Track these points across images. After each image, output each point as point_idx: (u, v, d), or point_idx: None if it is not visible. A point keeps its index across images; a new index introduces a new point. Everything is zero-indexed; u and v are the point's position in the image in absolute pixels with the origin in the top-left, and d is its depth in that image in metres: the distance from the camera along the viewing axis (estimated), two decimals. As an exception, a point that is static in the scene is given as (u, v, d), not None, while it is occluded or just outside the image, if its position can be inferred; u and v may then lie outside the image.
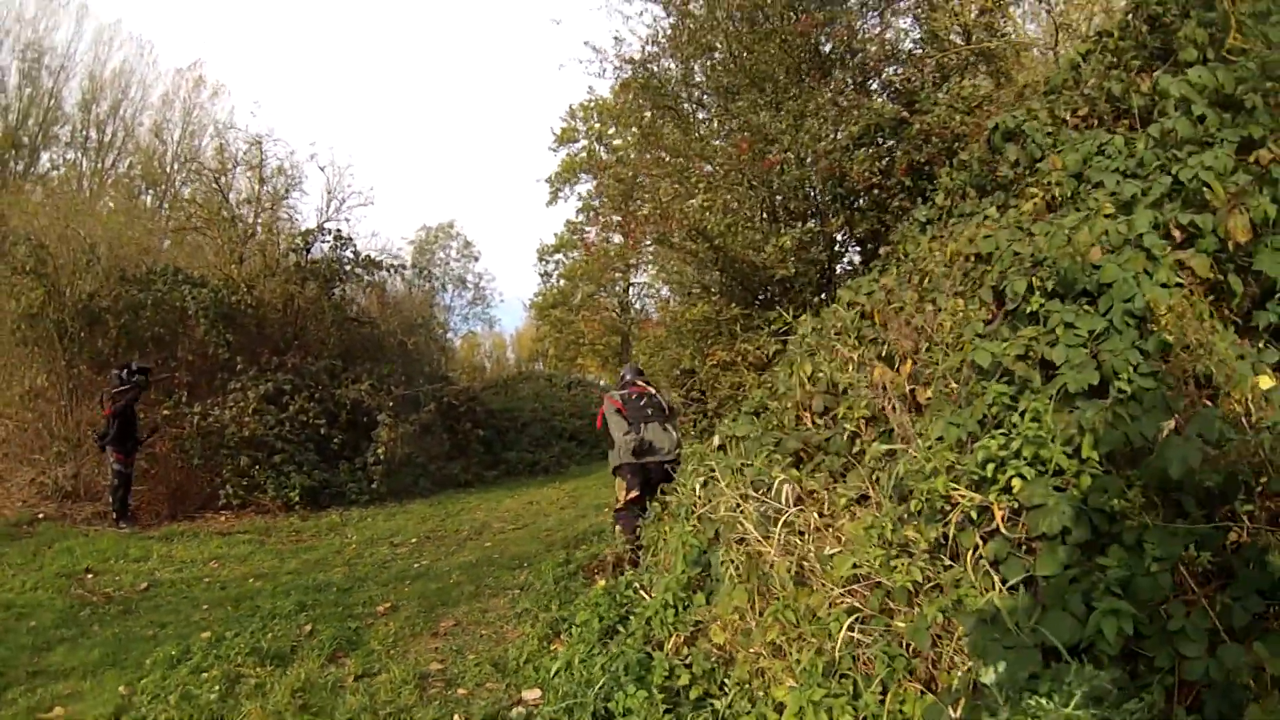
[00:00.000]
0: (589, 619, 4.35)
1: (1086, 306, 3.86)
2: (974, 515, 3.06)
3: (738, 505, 4.07)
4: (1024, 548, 3.15)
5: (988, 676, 2.51)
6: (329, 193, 14.78)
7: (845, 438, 4.59)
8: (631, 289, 30.84)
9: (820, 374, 5.34)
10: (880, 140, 9.18)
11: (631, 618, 4.26)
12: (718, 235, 8.89)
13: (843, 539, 3.52)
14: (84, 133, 27.20)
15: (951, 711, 2.75)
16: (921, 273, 6.27)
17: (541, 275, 33.88)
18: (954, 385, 4.21)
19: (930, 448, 3.27)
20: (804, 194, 10.07)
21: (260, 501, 10.46)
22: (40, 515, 9.47)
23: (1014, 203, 6.06)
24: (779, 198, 9.84)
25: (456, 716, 3.79)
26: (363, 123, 58.34)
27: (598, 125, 30.40)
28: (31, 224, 12.21)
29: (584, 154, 31.00)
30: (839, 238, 10.44)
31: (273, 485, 10.54)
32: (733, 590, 3.56)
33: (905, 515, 3.28)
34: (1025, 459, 3.01)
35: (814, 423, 5.31)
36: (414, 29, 61.40)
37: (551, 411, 18.47)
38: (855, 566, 3.30)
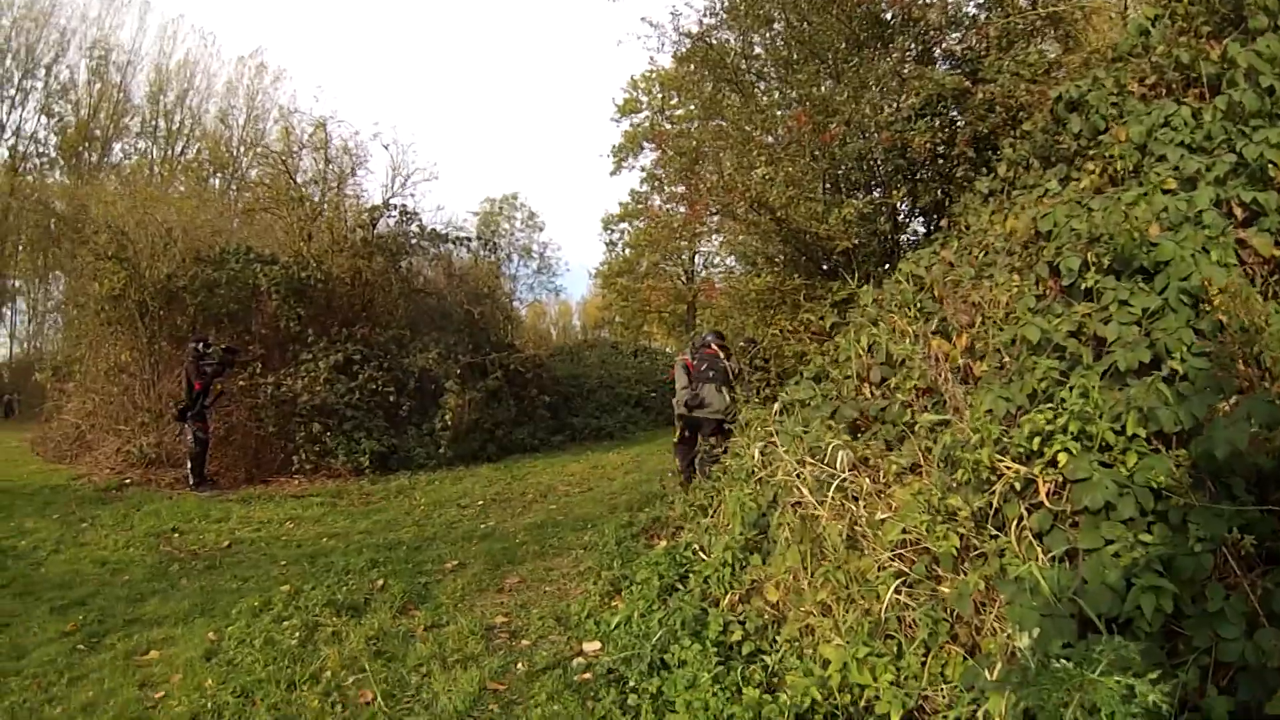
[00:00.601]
0: (649, 577, 4.56)
1: (1142, 284, 3.87)
2: (1019, 487, 3.16)
3: (796, 470, 4.21)
4: (1069, 521, 3.24)
5: (1022, 641, 2.63)
6: (393, 169, 15.21)
7: (900, 408, 4.69)
8: (697, 257, 30.92)
9: (878, 344, 5.42)
10: (943, 110, 9.06)
11: (690, 576, 4.46)
12: (780, 207, 8.90)
13: (893, 505, 3.64)
14: (153, 123, 28.74)
15: (987, 674, 2.88)
16: (982, 246, 6.27)
17: (606, 244, 34.41)
18: (1007, 360, 4.28)
19: (978, 419, 3.36)
20: (866, 165, 10.01)
21: (332, 466, 10.93)
22: (128, 481, 10.12)
23: (1075, 176, 5.99)
24: (840, 169, 9.80)
25: (520, 665, 4.03)
26: (426, 99, 59.23)
27: (660, 97, 30.47)
28: (110, 212, 12.88)
29: (647, 124, 31.04)
30: (902, 209, 10.36)
31: (343, 450, 11.00)
32: (787, 551, 3.73)
33: (952, 484, 3.39)
34: (1072, 434, 3.09)
35: (870, 392, 5.40)
36: (475, 5, 61.64)
37: (617, 378, 18.76)
38: (904, 532, 3.43)
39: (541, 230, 38.40)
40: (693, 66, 12.11)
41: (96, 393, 12.29)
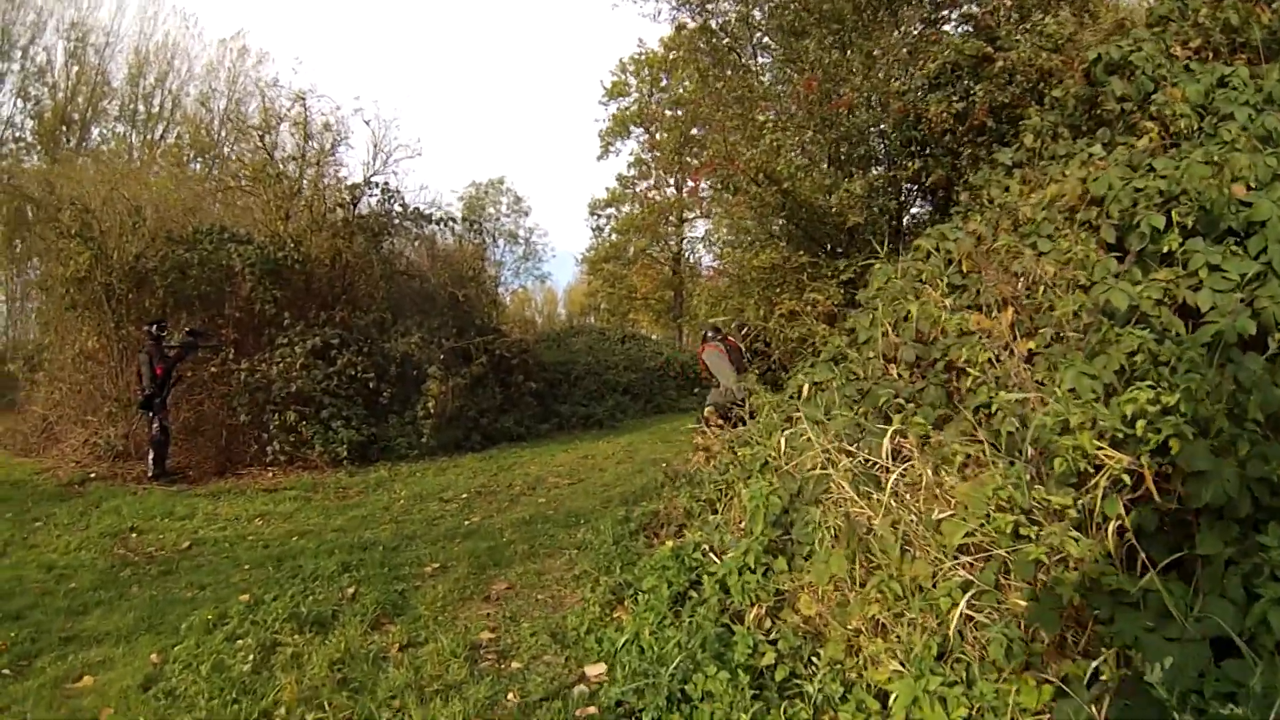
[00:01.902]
0: (657, 584, 3.98)
1: (1235, 247, 3.35)
2: (1129, 480, 2.61)
3: (827, 460, 3.65)
4: (1167, 520, 2.71)
5: (1154, 675, 2.08)
6: (375, 146, 14.52)
7: (940, 389, 4.17)
8: (685, 243, 30.75)
9: (907, 322, 4.92)
10: (958, 79, 8.52)
11: (704, 581, 3.88)
12: (787, 178, 8.32)
13: (953, 501, 3.09)
14: (132, 106, 27.67)
15: (1094, 710, 2.33)
16: (1013, 217, 5.84)
17: (593, 230, 33.83)
18: (1070, 334, 3.74)
19: (1063, 401, 2.81)
20: (874, 138, 9.47)
21: (308, 457, 10.25)
22: (92, 475, 9.45)
23: (1121, 140, 5.56)
24: (850, 141, 9.22)
25: (511, 695, 3.41)
26: (409, 78, 58.10)
27: (648, 79, 30.22)
28: (75, 188, 12.13)
29: (635, 107, 30.77)
30: (905, 186, 9.83)
31: (320, 440, 10.31)
32: (829, 557, 3.15)
33: (1037, 475, 2.83)
34: (1184, 416, 2.54)
35: (898, 373, 4.90)
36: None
37: (605, 365, 17.98)
38: (969, 534, 2.88)
39: (528, 215, 37.78)
40: (689, 38, 11.50)
41: (64, 382, 11.54)
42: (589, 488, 8.39)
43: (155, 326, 9.49)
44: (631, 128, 30.93)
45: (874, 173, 8.73)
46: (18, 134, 25.58)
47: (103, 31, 26.99)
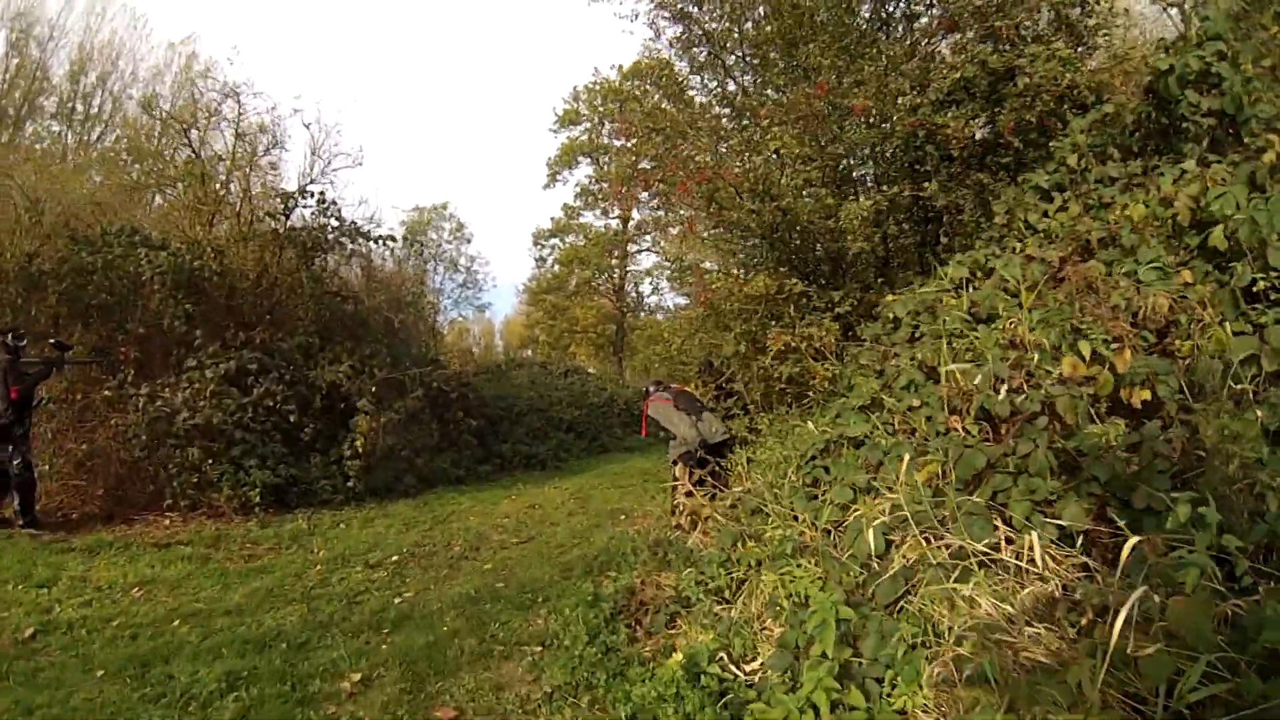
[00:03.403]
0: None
1: None
2: None
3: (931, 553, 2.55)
4: None
5: None
6: (313, 152, 13.14)
7: (1048, 453, 3.14)
8: (629, 277, 31.15)
9: (979, 367, 3.92)
10: (973, 96, 7.64)
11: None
12: (785, 196, 7.29)
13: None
14: (70, 104, 26.26)
15: None
16: (1074, 241, 4.95)
17: (536, 260, 33.69)
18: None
19: None
20: (872, 158, 8.56)
21: (213, 502, 8.72)
22: (-53, 519, 7.86)
23: (1215, 158, 4.75)
24: (852, 158, 8.25)
25: None
26: (356, 90, 56.18)
27: (601, 108, 29.86)
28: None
29: (585, 137, 30.76)
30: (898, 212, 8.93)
31: (229, 483, 8.81)
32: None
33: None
34: None
35: (964, 428, 3.88)
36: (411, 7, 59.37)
37: (548, 401, 17.07)
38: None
39: (469, 243, 36.90)
40: (668, 44, 10.47)
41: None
42: (542, 548, 7.15)
43: (10, 335, 7.72)
44: (580, 157, 30.80)
45: (882, 194, 7.73)
46: (-51, 122, 23.84)
47: (48, 24, 25.72)
